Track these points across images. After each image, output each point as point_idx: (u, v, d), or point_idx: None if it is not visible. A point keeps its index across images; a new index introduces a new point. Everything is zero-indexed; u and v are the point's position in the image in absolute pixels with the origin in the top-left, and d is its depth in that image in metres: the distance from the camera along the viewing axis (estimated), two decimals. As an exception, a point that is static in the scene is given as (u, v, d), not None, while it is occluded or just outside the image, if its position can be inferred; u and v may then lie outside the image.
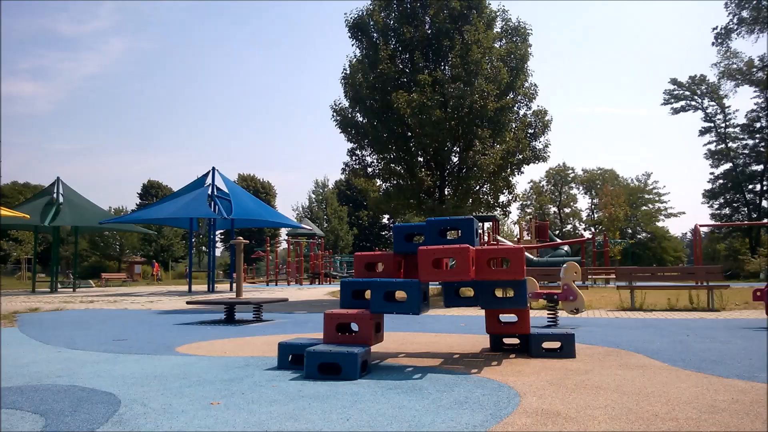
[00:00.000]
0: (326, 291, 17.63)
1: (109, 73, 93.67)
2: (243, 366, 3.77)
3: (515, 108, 13.16)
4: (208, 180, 20.19)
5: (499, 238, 20.23)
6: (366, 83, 12.66)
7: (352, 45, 13.83)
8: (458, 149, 13.18)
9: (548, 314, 6.10)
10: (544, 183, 61.36)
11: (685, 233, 62.36)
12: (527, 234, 25.01)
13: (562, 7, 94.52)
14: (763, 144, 42.44)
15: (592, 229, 47.31)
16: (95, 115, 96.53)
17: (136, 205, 54.74)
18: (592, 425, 2.25)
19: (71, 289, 20.63)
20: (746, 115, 43.74)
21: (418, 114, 11.81)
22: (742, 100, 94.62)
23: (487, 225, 19.97)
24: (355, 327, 3.79)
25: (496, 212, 14.96)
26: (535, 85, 13.39)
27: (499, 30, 13.50)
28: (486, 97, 11.92)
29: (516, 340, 4.38)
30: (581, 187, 61.31)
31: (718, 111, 45.83)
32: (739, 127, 44.64)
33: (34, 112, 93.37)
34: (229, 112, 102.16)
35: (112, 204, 65.02)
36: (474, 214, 14.17)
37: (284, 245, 40.67)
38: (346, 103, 13.51)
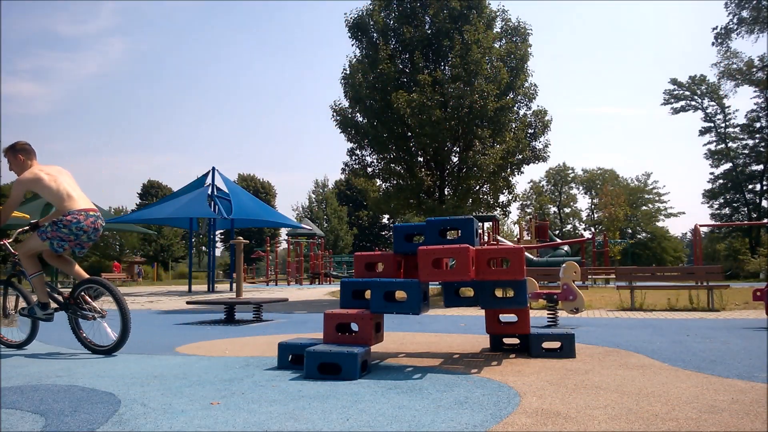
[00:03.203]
0: (326, 291, 17.63)
1: (109, 74, 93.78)
2: (243, 366, 3.77)
3: (515, 108, 13.16)
4: (208, 180, 20.17)
5: (499, 238, 20.24)
6: (366, 83, 12.66)
7: (352, 45, 13.84)
8: (458, 149, 13.18)
9: (548, 314, 6.10)
10: (544, 183, 61.42)
11: (685, 233, 62.45)
12: (527, 234, 25.01)
13: (561, 7, 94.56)
14: (763, 144, 42.45)
15: (592, 229, 47.32)
16: (95, 115, 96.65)
17: (136, 205, 54.74)
18: (592, 425, 2.25)
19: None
20: (746, 115, 43.79)
21: (418, 114, 11.81)
22: (742, 100, 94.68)
23: (487, 225, 19.97)
24: (355, 327, 3.79)
25: (496, 212, 14.96)
26: (535, 85, 13.40)
27: (498, 30, 13.50)
28: (486, 97, 11.92)
29: (516, 340, 4.38)
30: (581, 187, 61.33)
31: (718, 111, 45.86)
32: (739, 127, 44.70)
33: (33, 112, 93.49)
34: (229, 113, 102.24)
35: (112, 204, 65.02)
36: (474, 214, 14.17)
37: (284, 245, 40.68)
38: (346, 103, 13.51)
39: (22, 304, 4.79)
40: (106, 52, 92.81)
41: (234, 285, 17.28)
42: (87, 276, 4.60)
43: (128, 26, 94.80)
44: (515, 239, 31.93)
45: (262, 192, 55.77)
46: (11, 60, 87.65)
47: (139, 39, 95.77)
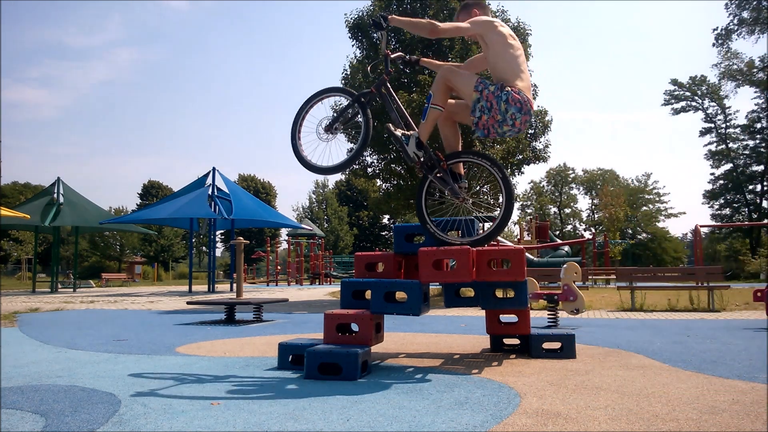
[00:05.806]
0: (326, 291, 17.63)
1: (115, 80, 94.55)
2: (243, 366, 3.77)
3: (515, 108, 13.15)
4: (209, 180, 20.17)
5: (499, 238, 20.23)
6: (366, 84, 12.66)
7: (352, 45, 13.83)
8: (458, 150, 13.17)
9: (548, 315, 6.10)
10: (544, 183, 61.34)
11: (686, 234, 62.34)
12: (527, 234, 25.00)
13: (561, 8, 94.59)
14: (763, 145, 42.44)
15: (593, 230, 47.31)
16: (99, 119, 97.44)
17: (137, 205, 54.75)
18: (593, 426, 2.25)
19: (71, 290, 20.63)
20: (746, 115, 43.71)
21: (419, 114, 11.81)
22: (742, 101, 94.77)
23: (487, 225, 19.96)
24: (355, 327, 3.79)
25: (496, 212, 14.94)
26: (535, 85, 13.39)
27: (499, 30, 13.50)
28: (486, 97, 11.91)
29: (516, 341, 4.38)
30: (581, 188, 61.28)
31: (719, 111, 45.84)
32: (739, 128, 44.67)
33: (39, 118, 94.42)
34: (230, 114, 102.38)
35: (112, 204, 65.15)
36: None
37: (284, 245, 40.67)
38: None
39: None
40: (113, 60, 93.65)
41: (234, 285, 17.28)
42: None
43: (134, 36, 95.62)
44: (515, 239, 31.92)
45: (263, 192, 55.77)
46: (20, 69, 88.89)
47: (144, 44, 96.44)
